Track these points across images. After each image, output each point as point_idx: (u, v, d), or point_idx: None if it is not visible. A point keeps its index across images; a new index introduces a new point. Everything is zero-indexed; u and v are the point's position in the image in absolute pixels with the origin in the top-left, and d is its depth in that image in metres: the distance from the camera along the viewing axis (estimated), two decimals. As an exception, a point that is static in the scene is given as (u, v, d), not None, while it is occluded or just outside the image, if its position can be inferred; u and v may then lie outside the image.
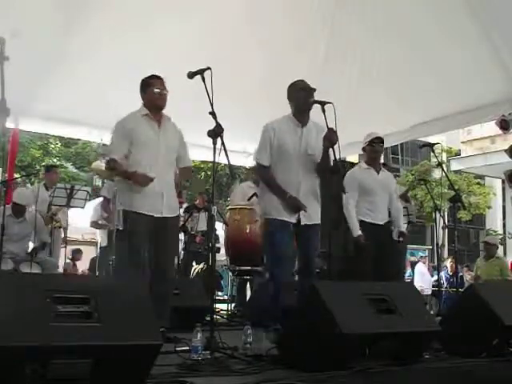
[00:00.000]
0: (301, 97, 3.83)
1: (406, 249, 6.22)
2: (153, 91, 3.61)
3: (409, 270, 12.48)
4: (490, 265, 7.57)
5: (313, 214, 3.88)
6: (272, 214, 3.83)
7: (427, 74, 5.65)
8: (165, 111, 3.72)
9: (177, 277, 6.64)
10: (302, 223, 3.81)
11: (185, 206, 7.63)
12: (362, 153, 5.01)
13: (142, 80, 3.70)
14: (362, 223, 4.66)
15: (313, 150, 3.85)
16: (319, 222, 3.94)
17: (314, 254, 3.96)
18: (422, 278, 12.29)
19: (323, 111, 3.62)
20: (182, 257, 7.00)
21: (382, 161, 5.34)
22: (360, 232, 4.57)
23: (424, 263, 13.49)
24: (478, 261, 8.53)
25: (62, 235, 6.67)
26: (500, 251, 8.23)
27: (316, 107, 3.72)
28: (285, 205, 3.75)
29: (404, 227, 4.95)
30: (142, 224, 3.52)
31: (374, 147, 4.80)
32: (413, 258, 13.95)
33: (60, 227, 6.53)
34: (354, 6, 5.52)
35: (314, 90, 3.81)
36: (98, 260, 7.10)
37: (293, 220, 3.80)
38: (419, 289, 11.04)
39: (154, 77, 3.66)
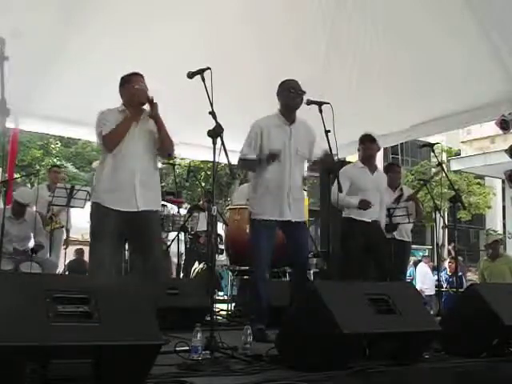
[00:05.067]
0: (288, 97, 3.89)
1: (411, 248, 6.21)
2: (132, 87, 3.58)
3: (409, 270, 12.44)
4: (498, 264, 7.46)
5: (298, 211, 3.93)
6: (254, 213, 3.89)
7: (427, 73, 5.65)
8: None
9: (182, 275, 6.68)
10: (286, 219, 3.85)
11: (185, 206, 7.62)
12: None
13: (122, 77, 3.67)
14: (351, 220, 4.74)
15: (301, 147, 3.94)
16: (305, 219, 4.00)
17: (305, 251, 4.03)
18: (424, 278, 12.24)
19: (320, 111, 3.65)
20: (184, 257, 7.01)
21: (380, 162, 5.38)
22: (358, 200, 4.63)
23: (426, 263, 13.47)
24: (482, 262, 8.35)
25: (64, 236, 6.67)
26: (500, 251, 8.16)
27: (314, 107, 3.74)
28: (266, 162, 3.79)
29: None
30: (110, 219, 3.45)
31: (364, 145, 4.92)
32: (412, 258, 13.94)
33: (62, 227, 6.53)
34: (354, 6, 5.52)
35: (304, 92, 3.86)
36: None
37: (275, 217, 3.84)
38: (423, 289, 11.05)
39: (133, 74, 3.64)
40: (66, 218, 6.36)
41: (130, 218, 3.49)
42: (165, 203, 6.00)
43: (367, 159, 4.94)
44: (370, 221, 4.79)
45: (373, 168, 4.95)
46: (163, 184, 12.75)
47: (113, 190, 3.49)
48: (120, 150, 3.51)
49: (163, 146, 3.63)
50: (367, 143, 4.91)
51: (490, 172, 15.36)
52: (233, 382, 2.40)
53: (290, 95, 3.88)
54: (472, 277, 12.44)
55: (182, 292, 4.43)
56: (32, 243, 5.89)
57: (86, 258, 9.07)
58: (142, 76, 3.64)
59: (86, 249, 9.34)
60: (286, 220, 3.87)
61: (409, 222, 5.54)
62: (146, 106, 3.62)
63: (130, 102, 3.59)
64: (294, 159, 3.90)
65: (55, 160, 17.87)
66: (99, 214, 3.52)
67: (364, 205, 4.62)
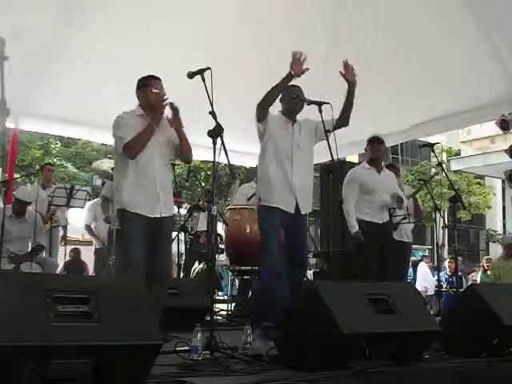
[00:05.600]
0: (290, 103, 3.93)
1: (411, 249, 6.22)
2: (150, 91, 3.56)
3: (409, 270, 12.40)
4: None
5: (306, 205, 3.93)
6: (262, 200, 3.87)
7: (427, 73, 5.65)
8: (165, 111, 3.69)
9: (182, 275, 6.68)
10: (294, 212, 3.84)
11: (185, 206, 7.61)
12: (361, 152, 5.10)
13: (139, 80, 3.66)
14: (361, 222, 4.76)
15: (303, 143, 3.96)
16: (310, 210, 4.01)
17: (305, 250, 4.02)
18: (425, 278, 12.23)
19: (320, 112, 3.65)
20: (185, 257, 7.01)
21: (385, 162, 5.43)
22: (357, 229, 4.69)
23: (427, 263, 13.46)
24: (496, 261, 8.33)
25: (61, 233, 6.66)
26: (500, 251, 8.15)
27: (314, 107, 3.74)
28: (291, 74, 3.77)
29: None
30: (138, 224, 3.50)
31: (372, 146, 4.97)
32: (412, 258, 13.90)
33: (58, 226, 6.52)
34: (354, 6, 5.51)
35: (305, 99, 3.89)
36: (94, 261, 7.09)
37: (283, 207, 3.83)
38: (423, 289, 11.04)
39: (151, 77, 3.63)
40: (63, 216, 6.36)
41: (151, 223, 3.53)
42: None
43: (375, 160, 5.01)
44: (381, 222, 4.85)
45: (379, 168, 5.02)
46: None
47: (137, 196, 3.51)
48: (141, 156, 3.52)
49: (182, 152, 3.73)
50: (375, 144, 4.98)
51: (490, 172, 15.37)
52: (233, 381, 2.40)
53: (292, 101, 3.92)
54: (476, 277, 12.42)
55: (182, 292, 4.43)
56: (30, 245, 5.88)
57: (83, 257, 9.12)
58: (159, 79, 3.62)
59: (84, 248, 9.41)
60: (292, 213, 3.86)
61: (409, 222, 5.54)
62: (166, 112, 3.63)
63: (146, 106, 3.58)
64: (296, 156, 3.91)
65: (55, 160, 17.86)
66: (124, 219, 3.55)
67: (357, 237, 4.68)
